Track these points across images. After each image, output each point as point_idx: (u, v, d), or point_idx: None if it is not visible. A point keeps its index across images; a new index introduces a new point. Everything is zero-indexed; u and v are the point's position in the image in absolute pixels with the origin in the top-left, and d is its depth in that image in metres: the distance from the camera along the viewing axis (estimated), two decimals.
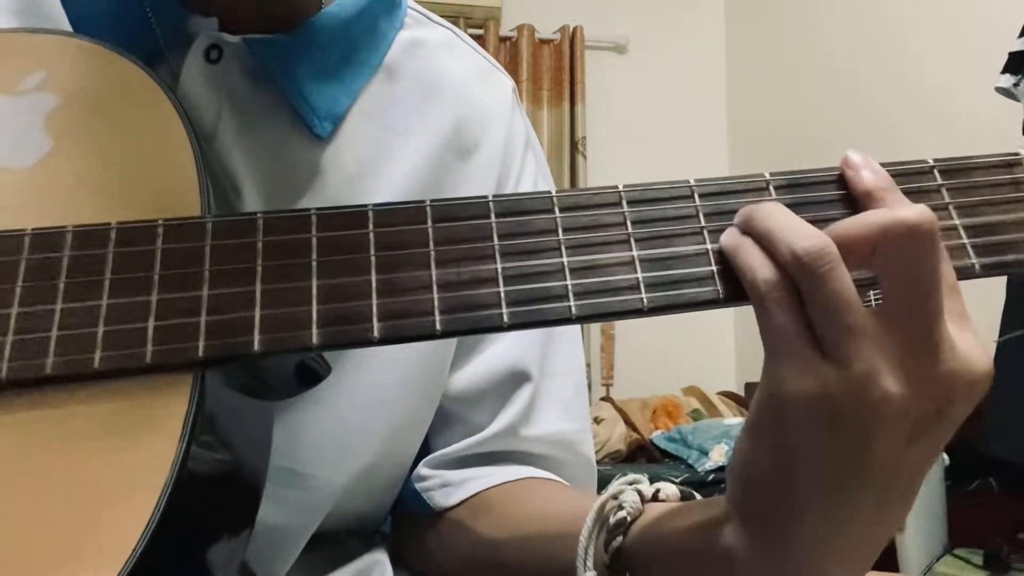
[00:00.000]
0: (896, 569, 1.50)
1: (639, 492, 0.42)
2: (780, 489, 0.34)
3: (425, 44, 0.57)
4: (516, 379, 0.56)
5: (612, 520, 0.41)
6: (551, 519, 0.49)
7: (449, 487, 0.55)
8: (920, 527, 1.52)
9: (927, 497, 1.54)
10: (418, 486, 0.56)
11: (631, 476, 0.44)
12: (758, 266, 0.33)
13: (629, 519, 0.41)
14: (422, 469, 0.57)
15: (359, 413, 0.51)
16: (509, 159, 0.58)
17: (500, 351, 0.56)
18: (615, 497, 0.42)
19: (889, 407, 0.32)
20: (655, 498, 0.42)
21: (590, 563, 0.41)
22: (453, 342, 0.55)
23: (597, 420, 2.48)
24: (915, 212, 0.32)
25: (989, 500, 1.64)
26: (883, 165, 0.37)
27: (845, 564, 0.35)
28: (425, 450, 0.57)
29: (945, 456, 1.56)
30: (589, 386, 2.87)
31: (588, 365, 2.92)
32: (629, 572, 0.40)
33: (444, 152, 0.55)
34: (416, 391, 0.54)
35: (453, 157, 0.55)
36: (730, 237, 0.36)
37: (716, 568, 0.37)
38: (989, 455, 1.55)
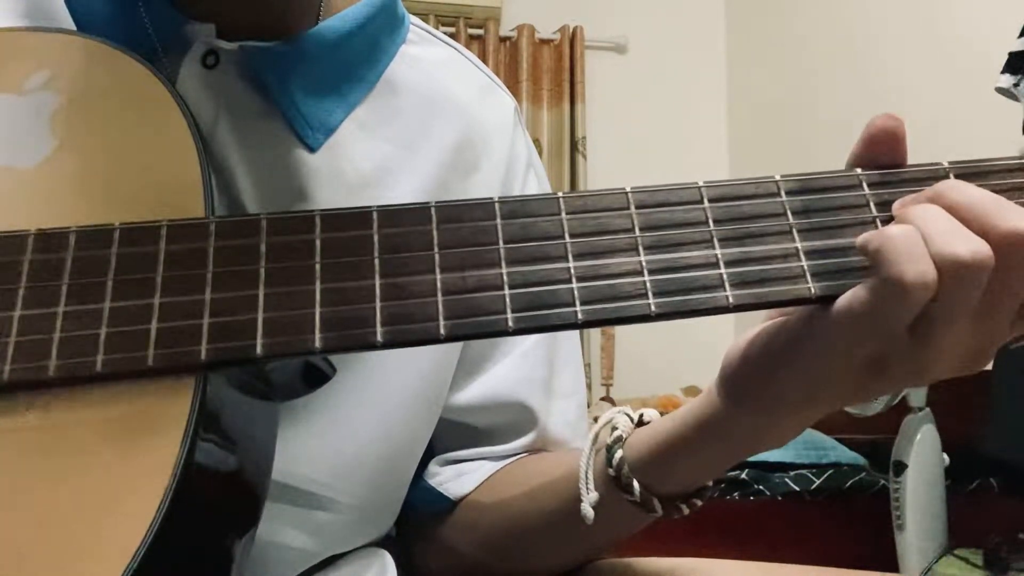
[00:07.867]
0: (896, 569, 1.50)
1: (627, 415, 0.47)
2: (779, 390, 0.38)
3: (427, 60, 0.57)
4: (521, 413, 0.57)
5: (610, 439, 0.46)
6: (555, 469, 0.51)
7: (464, 475, 0.56)
8: (920, 527, 1.52)
9: (927, 497, 1.54)
10: (431, 482, 0.56)
11: (616, 408, 0.49)
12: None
13: (625, 435, 0.46)
14: (432, 467, 0.57)
15: (359, 435, 0.50)
16: (510, 179, 0.58)
17: (503, 374, 0.56)
18: (607, 423, 0.47)
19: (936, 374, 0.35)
20: (641, 422, 0.47)
21: (591, 485, 0.46)
22: (454, 365, 0.55)
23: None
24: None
25: (989, 500, 1.63)
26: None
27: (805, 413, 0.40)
28: (426, 454, 0.57)
29: (945, 456, 1.56)
30: (589, 386, 2.88)
31: (588, 365, 2.91)
32: (635, 479, 0.44)
33: (446, 172, 0.55)
34: (416, 413, 0.54)
35: (454, 176, 0.55)
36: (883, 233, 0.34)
37: (705, 445, 0.42)
38: (989, 455, 1.55)
